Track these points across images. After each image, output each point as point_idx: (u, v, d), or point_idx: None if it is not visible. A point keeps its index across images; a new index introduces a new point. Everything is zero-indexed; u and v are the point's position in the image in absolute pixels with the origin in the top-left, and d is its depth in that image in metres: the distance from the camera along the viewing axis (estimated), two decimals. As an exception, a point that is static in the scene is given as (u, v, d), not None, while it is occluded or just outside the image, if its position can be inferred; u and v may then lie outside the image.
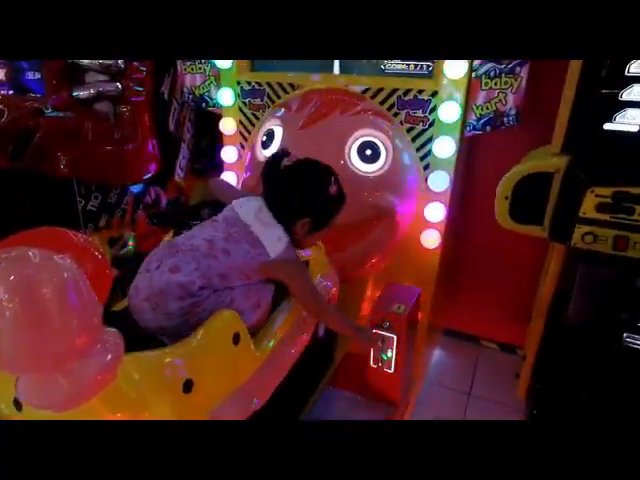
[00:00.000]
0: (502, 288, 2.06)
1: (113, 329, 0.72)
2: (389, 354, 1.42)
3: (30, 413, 0.86)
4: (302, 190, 1.22)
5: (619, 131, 1.18)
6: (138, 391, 0.80)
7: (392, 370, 1.45)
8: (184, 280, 1.06)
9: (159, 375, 0.84)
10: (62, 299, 0.60)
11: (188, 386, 0.87)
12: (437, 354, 2.17)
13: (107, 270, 0.70)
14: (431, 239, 1.73)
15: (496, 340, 2.18)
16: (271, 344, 1.15)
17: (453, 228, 1.92)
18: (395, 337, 1.39)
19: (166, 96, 2.10)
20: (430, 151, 1.69)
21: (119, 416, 0.79)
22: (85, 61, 1.79)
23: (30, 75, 1.90)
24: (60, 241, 0.66)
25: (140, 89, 1.91)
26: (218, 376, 0.96)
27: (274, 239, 1.17)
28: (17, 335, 0.59)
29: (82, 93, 1.78)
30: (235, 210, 1.22)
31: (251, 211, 1.20)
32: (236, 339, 1.01)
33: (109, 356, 0.70)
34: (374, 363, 1.47)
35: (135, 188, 2.06)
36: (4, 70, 1.99)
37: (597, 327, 1.46)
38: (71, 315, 0.62)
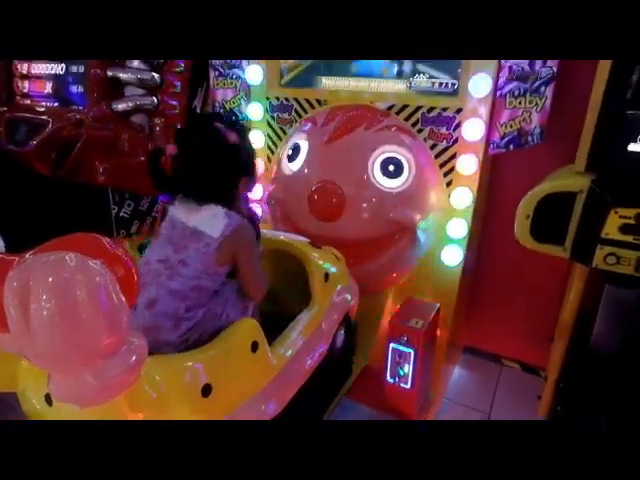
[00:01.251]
0: (525, 306, 2.03)
1: (138, 332, 0.76)
2: (406, 369, 1.43)
3: (60, 408, 0.92)
4: (212, 164, 1.12)
5: (645, 153, 1.16)
6: (159, 392, 0.84)
7: (409, 386, 1.45)
8: (166, 310, 1.06)
9: (179, 378, 0.88)
10: (94, 301, 0.65)
11: (207, 390, 0.91)
12: (457, 372, 2.14)
13: (135, 276, 0.75)
14: (452, 255, 1.74)
15: (518, 360, 2.14)
16: (288, 353, 1.18)
17: (475, 245, 1.91)
18: (412, 352, 1.40)
19: (198, 109, 2.18)
20: (453, 168, 1.70)
21: (140, 415, 0.83)
22: (124, 75, 1.89)
23: (74, 89, 2.01)
24: (94, 247, 0.71)
25: (174, 103, 2.00)
26: (236, 382, 0.99)
27: (208, 219, 1.11)
28: (52, 334, 0.64)
29: (120, 106, 1.88)
30: (169, 213, 1.19)
31: (180, 207, 1.16)
32: (254, 347, 1.04)
33: (134, 357, 0.74)
34: (391, 378, 1.48)
35: (164, 197, 2.14)
36: (50, 84, 2.11)
37: (622, 350, 1.43)
38: (102, 317, 0.66)
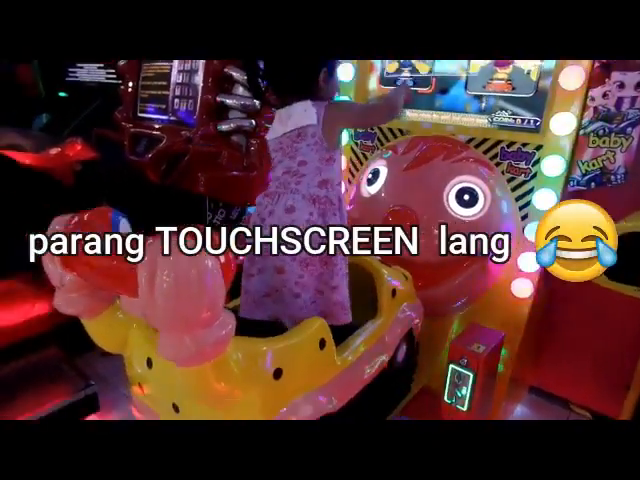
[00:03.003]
0: (601, 351, 1.94)
1: (230, 311, 0.91)
2: (464, 391, 1.46)
3: (158, 371, 1.09)
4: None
5: None
6: (239, 367, 0.98)
7: (465, 408, 1.47)
8: (302, 216, 1.25)
9: (256, 358, 1.02)
10: (202, 279, 0.81)
11: (278, 374, 1.04)
12: (519, 410, 2.08)
13: (233, 264, 0.90)
14: (523, 288, 1.74)
15: (589, 407, 2.04)
16: (351, 357, 1.28)
17: (549, 281, 1.89)
18: (472, 375, 1.43)
19: (290, 133, 2.40)
20: (530, 202, 1.73)
21: (222, 385, 0.97)
22: (230, 101, 2.15)
23: (186, 110, 2.33)
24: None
25: (270, 126, 2.23)
26: (304, 372, 1.11)
27: (302, 114, 1.26)
28: (168, 300, 0.81)
29: (224, 127, 2.13)
30: (275, 131, 1.36)
31: (276, 125, 1.35)
32: (322, 344, 1.16)
33: (224, 332, 0.89)
34: (448, 398, 1.51)
35: (252, 208, 2.37)
36: (166, 106, 2.45)
37: None
38: (205, 293, 0.82)
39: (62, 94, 3.88)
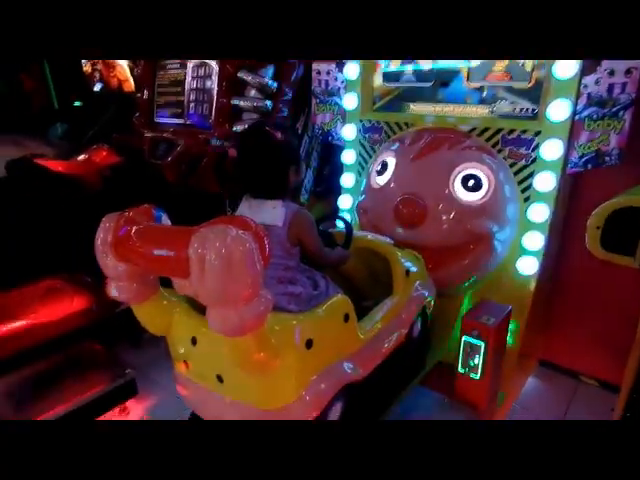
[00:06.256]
0: (605, 322, 2.05)
1: (267, 290, 1.04)
2: (476, 360, 1.58)
3: (202, 347, 1.23)
4: (263, 161, 1.31)
5: None
6: (277, 338, 1.11)
7: (478, 376, 1.60)
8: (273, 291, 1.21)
9: (291, 330, 1.15)
10: (244, 261, 0.94)
11: (309, 344, 1.17)
12: (531, 381, 2.20)
13: (267, 247, 1.03)
14: (528, 265, 1.86)
15: (597, 377, 2.16)
16: (373, 330, 1.41)
17: (552, 258, 2.00)
18: (483, 345, 1.55)
19: (300, 131, 2.53)
20: (531, 185, 1.84)
21: (262, 355, 1.10)
22: (244, 103, 2.28)
23: (201, 114, 2.47)
24: (243, 224, 1.01)
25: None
26: (331, 343, 1.24)
27: (271, 213, 1.29)
28: (216, 279, 0.94)
29: (239, 127, 2.27)
30: (243, 214, 1.30)
31: (244, 209, 1.34)
32: (346, 318, 1.29)
33: (262, 307, 1.02)
34: (462, 368, 1.63)
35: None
36: (182, 110, 2.59)
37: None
38: (247, 272, 0.95)
39: (77, 103, 4.04)
